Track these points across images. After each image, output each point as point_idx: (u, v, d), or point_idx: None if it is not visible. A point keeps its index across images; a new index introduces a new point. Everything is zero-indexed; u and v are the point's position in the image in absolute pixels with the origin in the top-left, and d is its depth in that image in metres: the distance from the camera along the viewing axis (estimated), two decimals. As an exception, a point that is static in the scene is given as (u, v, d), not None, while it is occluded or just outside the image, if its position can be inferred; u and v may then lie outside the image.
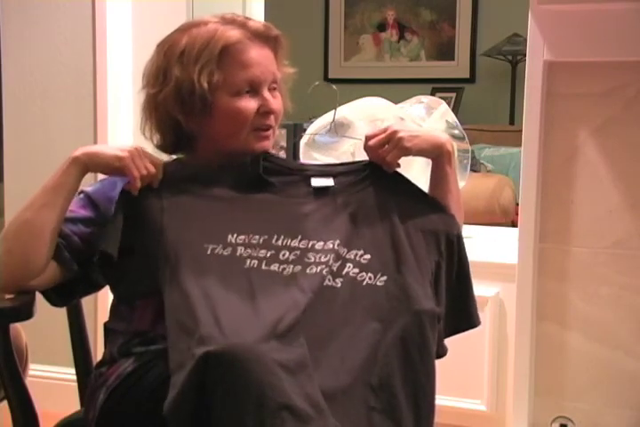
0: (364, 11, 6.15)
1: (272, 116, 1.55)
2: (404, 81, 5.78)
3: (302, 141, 2.27)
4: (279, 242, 1.45)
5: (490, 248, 2.66)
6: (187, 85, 1.50)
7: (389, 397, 1.36)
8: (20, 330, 1.83)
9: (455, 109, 5.29)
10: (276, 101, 1.56)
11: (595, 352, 2.22)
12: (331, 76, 6.18)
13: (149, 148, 1.58)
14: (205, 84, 1.49)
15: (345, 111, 2.20)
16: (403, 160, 1.57)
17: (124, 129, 2.67)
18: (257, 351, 1.26)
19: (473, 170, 3.50)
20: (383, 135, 1.56)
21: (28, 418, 1.52)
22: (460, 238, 1.56)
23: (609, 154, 2.16)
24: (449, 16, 5.95)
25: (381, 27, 6.14)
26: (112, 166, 1.48)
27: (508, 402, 2.42)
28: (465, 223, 1.64)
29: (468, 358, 2.41)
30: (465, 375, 2.46)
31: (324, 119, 2.22)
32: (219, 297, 1.34)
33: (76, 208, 1.54)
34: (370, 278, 1.44)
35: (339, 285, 1.42)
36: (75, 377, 1.76)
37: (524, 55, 2.37)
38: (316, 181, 1.54)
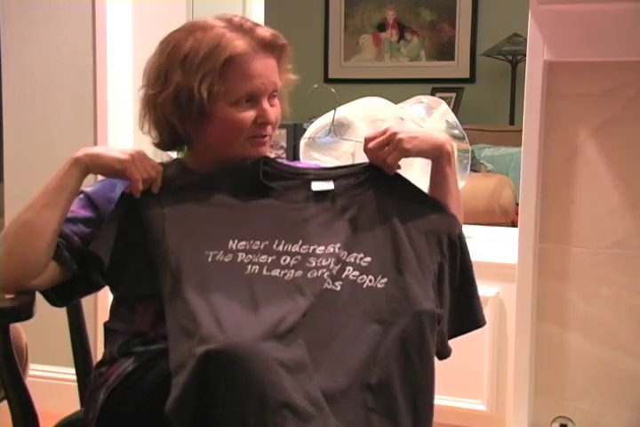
0: (364, 11, 6.15)
1: (269, 127, 1.55)
2: (404, 81, 5.78)
3: (302, 142, 2.27)
4: (280, 247, 1.45)
5: (490, 248, 2.66)
6: (186, 92, 1.49)
7: (388, 398, 1.36)
8: (20, 330, 1.83)
9: (455, 109, 5.29)
10: (274, 110, 1.55)
11: (595, 352, 2.22)
12: (331, 76, 6.18)
13: (149, 150, 1.58)
14: (205, 94, 1.48)
15: (345, 111, 2.20)
16: (403, 161, 1.57)
17: (123, 129, 2.67)
18: (257, 350, 1.26)
19: (473, 170, 3.50)
20: (382, 137, 1.55)
21: (27, 418, 1.52)
22: (462, 239, 1.56)
23: (609, 154, 2.16)
24: (449, 16, 5.95)
25: (381, 27, 6.14)
26: (113, 168, 1.48)
27: (508, 402, 2.42)
28: (465, 223, 1.64)
29: (468, 358, 2.41)
30: (465, 375, 2.46)
31: (324, 119, 2.22)
32: (220, 303, 1.34)
33: (77, 208, 1.54)
34: (370, 281, 1.44)
35: (338, 288, 1.42)
36: (75, 377, 1.76)
37: (524, 55, 2.37)
38: (317, 185, 1.53)
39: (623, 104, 2.14)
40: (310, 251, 1.45)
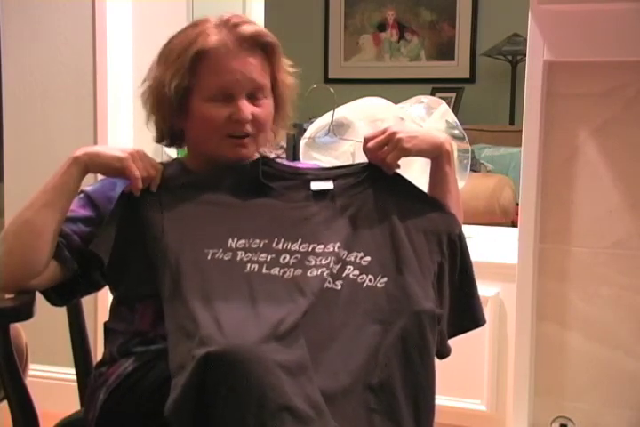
0: (364, 11, 6.15)
1: (247, 125, 1.52)
2: (404, 81, 5.78)
3: (302, 142, 2.27)
4: (279, 246, 1.45)
5: (490, 248, 2.66)
6: (160, 87, 1.51)
7: (389, 398, 1.36)
8: (20, 330, 1.83)
9: (455, 109, 5.29)
10: (256, 109, 1.52)
11: (595, 352, 2.22)
12: (331, 76, 6.18)
13: (149, 149, 1.59)
14: (174, 88, 1.49)
15: (345, 111, 2.20)
16: (402, 161, 1.57)
17: (123, 129, 2.67)
18: (257, 352, 1.26)
19: (473, 170, 3.50)
20: (382, 137, 1.55)
21: (27, 418, 1.52)
22: (461, 238, 1.56)
23: (609, 154, 2.16)
24: (449, 16, 5.95)
25: (381, 27, 6.14)
26: (113, 167, 1.48)
27: (508, 402, 2.42)
28: (465, 223, 1.64)
29: (468, 358, 2.41)
30: (465, 375, 2.46)
31: (324, 119, 2.22)
32: (219, 302, 1.34)
33: (76, 208, 1.54)
34: (370, 280, 1.44)
35: (339, 287, 1.42)
36: (75, 377, 1.76)
37: (524, 55, 2.37)
38: (316, 185, 1.53)
39: (623, 104, 2.14)
40: (310, 249, 1.45)
